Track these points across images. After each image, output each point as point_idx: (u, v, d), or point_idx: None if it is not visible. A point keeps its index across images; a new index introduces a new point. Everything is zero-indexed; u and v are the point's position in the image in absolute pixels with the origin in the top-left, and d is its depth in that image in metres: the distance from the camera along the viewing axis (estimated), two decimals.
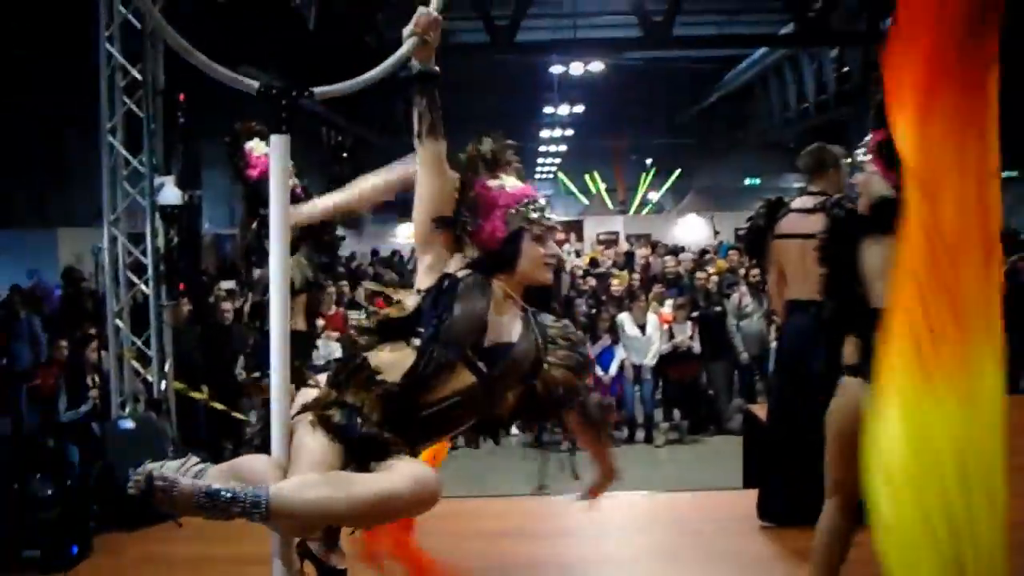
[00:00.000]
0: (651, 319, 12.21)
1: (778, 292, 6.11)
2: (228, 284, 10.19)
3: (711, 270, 13.75)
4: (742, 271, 13.54)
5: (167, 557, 6.36)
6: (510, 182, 3.35)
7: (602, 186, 38.05)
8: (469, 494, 7.76)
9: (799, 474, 5.33)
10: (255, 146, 5.34)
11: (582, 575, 5.76)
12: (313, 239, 5.10)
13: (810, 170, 6.01)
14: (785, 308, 6.06)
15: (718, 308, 12.23)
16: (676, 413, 12.52)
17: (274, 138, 3.01)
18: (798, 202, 5.99)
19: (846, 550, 4.19)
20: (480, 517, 6.95)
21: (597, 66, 24.84)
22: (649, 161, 34.06)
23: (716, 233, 26.18)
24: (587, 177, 38.90)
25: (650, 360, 12.10)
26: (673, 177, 30.67)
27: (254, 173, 5.31)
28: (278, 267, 3.02)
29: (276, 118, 3.00)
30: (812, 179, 6.00)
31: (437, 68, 3.17)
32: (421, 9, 3.03)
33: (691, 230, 26.91)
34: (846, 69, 26.57)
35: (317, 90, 3.10)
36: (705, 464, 10.65)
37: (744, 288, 12.34)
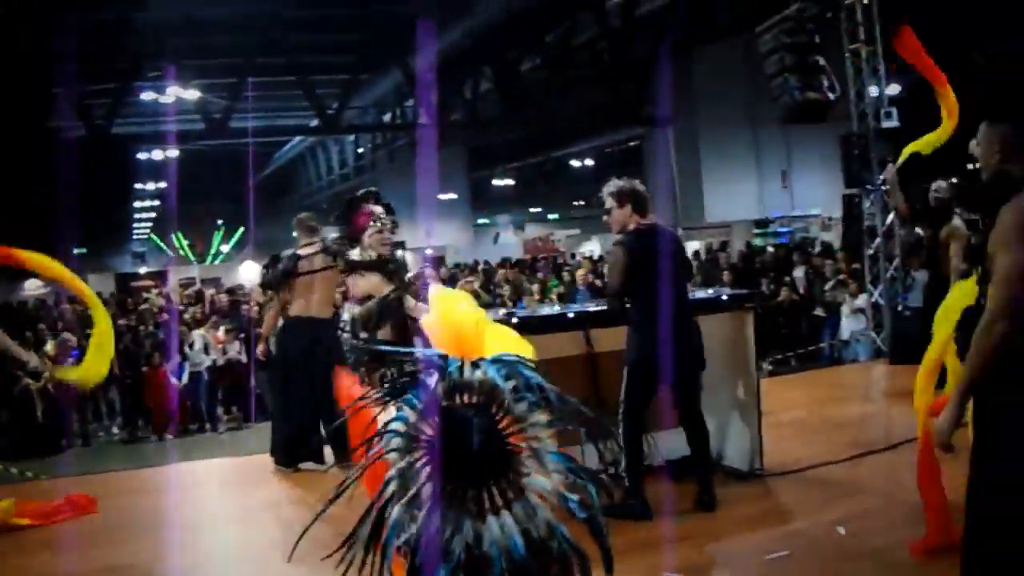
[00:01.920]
0: (210, 340, 12.78)
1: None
2: None
3: (255, 302, 14.27)
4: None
5: None
6: None
7: (184, 243, 37.40)
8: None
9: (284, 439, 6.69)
10: None
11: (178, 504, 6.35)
12: None
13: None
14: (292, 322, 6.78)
15: (258, 330, 12.80)
16: (235, 408, 12.97)
17: None
18: (305, 249, 6.77)
19: None
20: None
21: (174, 152, 24.80)
22: (220, 221, 33.98)
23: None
24: (173, 236, 38.08)
25: (204, 369, 12.60)
26: (238, 234, 30.89)
27: None
28: None
29: None
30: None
31: None
32: None
33: (250, 273, 27.35)
34: (360, 150, 28.24)
35: None
36: (256, 441, 11.08)
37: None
